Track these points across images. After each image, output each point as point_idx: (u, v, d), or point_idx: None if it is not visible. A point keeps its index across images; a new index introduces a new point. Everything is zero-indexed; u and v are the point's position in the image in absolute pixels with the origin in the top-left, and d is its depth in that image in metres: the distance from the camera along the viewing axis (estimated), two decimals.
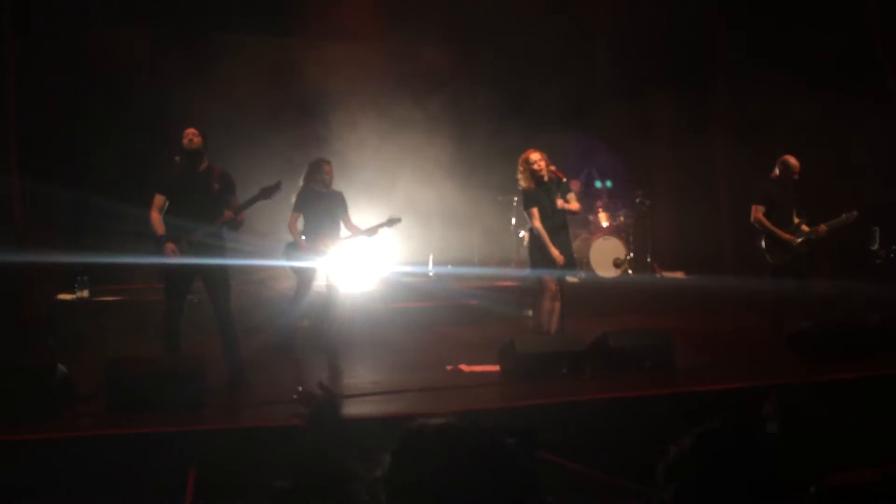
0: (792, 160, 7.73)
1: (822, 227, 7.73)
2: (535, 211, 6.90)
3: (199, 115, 9.72)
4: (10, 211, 7.98)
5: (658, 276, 10.97)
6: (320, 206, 7.39)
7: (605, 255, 10.48)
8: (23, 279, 8.34)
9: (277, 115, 11.42)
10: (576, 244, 10.68)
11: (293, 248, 7.43)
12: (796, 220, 7.80)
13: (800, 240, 7.72)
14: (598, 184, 11.99)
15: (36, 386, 5.15)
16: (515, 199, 10.32)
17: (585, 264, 10.49)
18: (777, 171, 7.82)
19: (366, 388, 5.92)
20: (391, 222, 7.59)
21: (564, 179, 7.07)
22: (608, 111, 12.38)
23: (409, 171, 12.24)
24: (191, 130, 6.01)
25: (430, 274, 11.86)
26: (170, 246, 5.89)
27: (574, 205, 7.08)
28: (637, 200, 11.17)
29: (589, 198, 11.25)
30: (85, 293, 8.57)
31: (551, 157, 7.11)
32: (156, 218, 6.00)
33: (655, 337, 6.52)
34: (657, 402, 5.38)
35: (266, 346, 7.48)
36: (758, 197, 7.87)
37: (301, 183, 7.50)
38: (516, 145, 7.78)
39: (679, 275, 10.93)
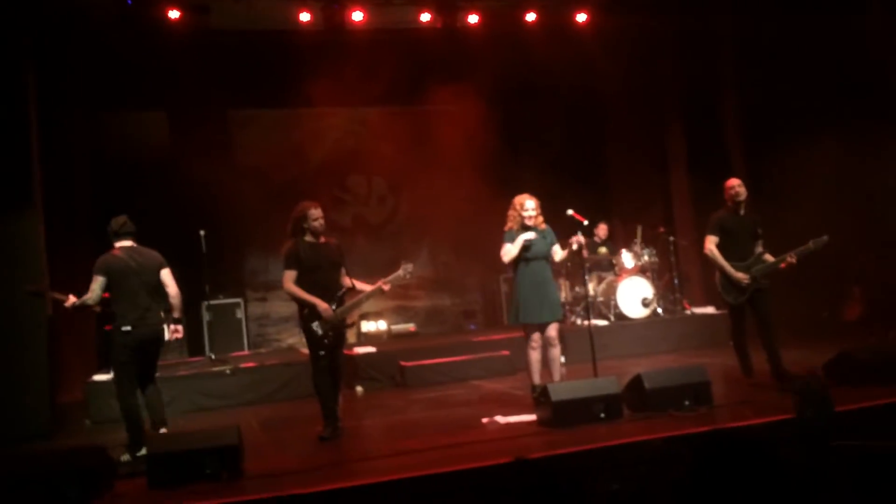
0: (728, 182, 7.26)
1: (791, 258, 6.96)
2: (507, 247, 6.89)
3: (219, 186, 9.93)
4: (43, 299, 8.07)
5: (688, 312, 10.89)
6: (315, 261, 6.34)
7: (633, 296, 10.45)
8: (57, 361, 8.46)
9: (296, 181, 11.60)
10: (602, 287, 10.68)
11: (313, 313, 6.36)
12: (759, 251, 7.20)
13: (756, 274, 7.07)
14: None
15: (81, 467, 5.19)
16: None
17: (614, 306, 10.46)
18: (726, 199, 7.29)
19: (405, 448, 5.87)
20: (405, 271, 6.50)
21: (586, 222, 6.99)
22: (626, 150, 12.46)
23: (429, 228, 12.35)
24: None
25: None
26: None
27: (560, 256, 6.99)
28: (660, 238, 11.13)
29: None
30: None
31: (572, 203, 7.14)
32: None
33: (691, 374, 6.45)
34: (698, 441, 5.29)
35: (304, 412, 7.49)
36: (710, 227, 7.30)
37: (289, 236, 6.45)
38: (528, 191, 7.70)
39: (710, 309, 10.82)
